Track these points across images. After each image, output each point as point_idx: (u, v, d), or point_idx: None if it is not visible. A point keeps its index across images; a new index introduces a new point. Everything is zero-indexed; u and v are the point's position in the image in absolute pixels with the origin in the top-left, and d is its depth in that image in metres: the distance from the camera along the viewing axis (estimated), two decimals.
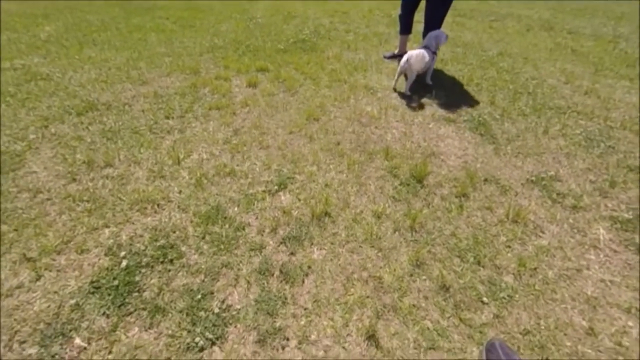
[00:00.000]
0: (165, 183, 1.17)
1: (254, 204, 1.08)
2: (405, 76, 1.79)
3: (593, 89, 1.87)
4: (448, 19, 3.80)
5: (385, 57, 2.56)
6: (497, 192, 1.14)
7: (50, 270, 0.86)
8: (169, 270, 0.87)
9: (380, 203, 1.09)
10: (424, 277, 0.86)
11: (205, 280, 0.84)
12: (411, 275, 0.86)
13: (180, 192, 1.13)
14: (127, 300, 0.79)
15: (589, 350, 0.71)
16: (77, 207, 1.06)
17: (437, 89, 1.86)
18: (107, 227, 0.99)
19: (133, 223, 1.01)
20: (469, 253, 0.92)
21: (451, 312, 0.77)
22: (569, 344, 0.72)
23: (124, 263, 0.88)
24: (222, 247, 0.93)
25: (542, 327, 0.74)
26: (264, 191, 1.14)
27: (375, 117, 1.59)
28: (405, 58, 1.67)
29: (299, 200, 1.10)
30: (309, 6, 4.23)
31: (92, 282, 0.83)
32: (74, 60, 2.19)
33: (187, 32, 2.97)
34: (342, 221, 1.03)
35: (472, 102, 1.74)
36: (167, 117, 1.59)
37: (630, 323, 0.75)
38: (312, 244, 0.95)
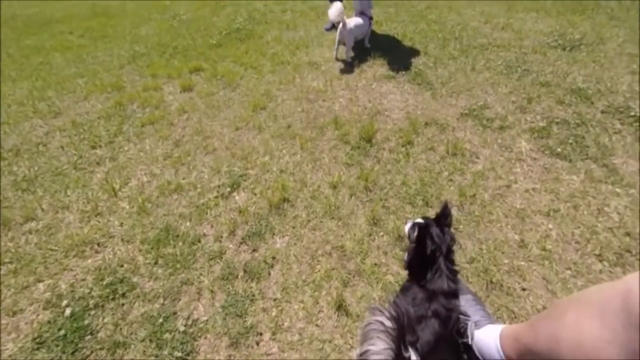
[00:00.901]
0: (102, 220, 1.09)
1: (206, 213, 1.06)
2: (344, 44, 1.85)
3: (508, 24, 2.10)
4: None
5: (325, 29, 2.61)
6: (437, 132, 1.26)
7: None
8: (123, 305, 0.84)
9: (335, 173, 1.14)
10: (381, 234, 0.93)
11: (165, 303, 0.83)
12: (370, 235, 0.93)
13: (121, 224, 1.07)
14: (80, 345, 0.76)
15: (522, 263, 0.83)
16: (1, 269, 0.94)
17: (375, 50, 1.94)
18: (41, 281, 0.92)
19: (72, 270, 0.94)
20: (417, 197, 1.02)
21: None
22: (506, 261, 0.84)
23: (68, 311, 0.83)
24: (178, 266, 0.92)
25: (484, 252, 0.86)
26: (216, 197, 1.12)
27: (322, 90, 1.63)
28: (341, 26, 1.70)
29: (255, 195, 1.11)
30: None
31: (34, 339, 0.78)
32: None
33: (100, 44, 2.65)
34: (300, 202, 1.06)
35: (407, 56, 1.86)
36: (94, 147, 1.44)
37: (550, 226, 0.90)
38: (273, 234, 0.97)
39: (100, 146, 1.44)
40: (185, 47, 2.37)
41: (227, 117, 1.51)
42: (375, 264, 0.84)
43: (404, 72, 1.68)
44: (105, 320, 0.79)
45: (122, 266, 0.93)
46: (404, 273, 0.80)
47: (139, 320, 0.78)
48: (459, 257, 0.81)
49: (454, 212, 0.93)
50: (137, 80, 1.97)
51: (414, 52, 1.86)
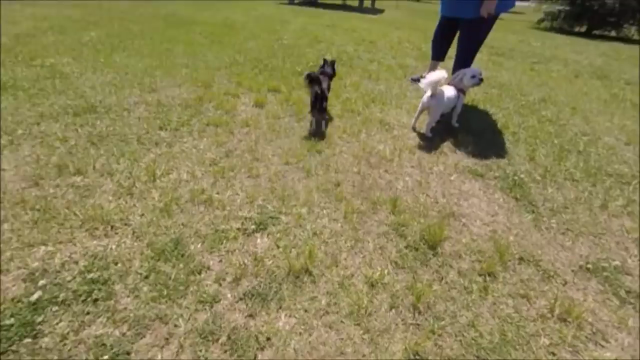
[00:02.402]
0: (130, 202, 1.19)
1: (222, 243, 1.05)
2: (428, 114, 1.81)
3: None
4: (484, 57, 4.20)
5: (412, 79, 2.81)
6: (536, 277, 1.01)
7: None
8: (87, 313, 0.81)
9: (378, 267, 1.00)
10: None
11: (127, 334, 0.77)
12: None
13: (142, 215, 1.14)
14: (13, 347, 0.73)
15: None
16: (25, 215, 1.09)
17: (463, 133, 1.88)
18: (45, 244, 0.99)
19: (75, 244, 1.00)
20: (492, 354, 0.77)
21: None
22: None
23: (36, 295, 0.83)
24: (165, 292, 0.88)
25: None
26: (238, 229, 1.11)
27: (386, 158, 1.61)
28: (428, 93, 1.66)
29: (278, 247, 1.05)
30: (337, 33, 4.90)
31: None
32: (98, 64, 2.60)
33: (214, 47, 3.49)
34: (324, 283, 0.94)
35: (506, 154, 1.71)
36: (161, 128, 1.72)
37: None
38: (280, 307, 0.87)
39: (166, 129, 1.70)
40: (274, 67, 2.88)
41: (282, 147, 1.62)
42: None
43: (497, 174, 1.52)
44: (59, 326, 0.76)
45: (116, 264, 0.94)
46: None
47: (89, 343, 0.73)
48: None
49: None
50: (224, 84, 2.40)
51: (515, 153, 1.71)
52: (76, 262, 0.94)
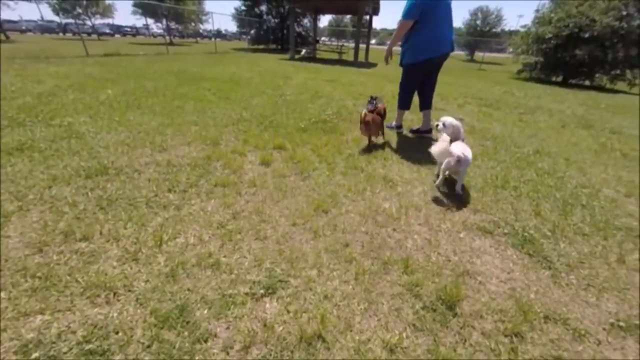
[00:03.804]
0: (135, 268, 1.31)
1: (229, 309, 1.12)
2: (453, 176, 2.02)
3: None
4: (474, 108, 5.00)
5: (411, 130, 3.41)
6: (567, 337, 1.06)
7: None
8: None
9: (396, 331, 1.06)
10: None
11: None
12: None
13: (147, 281, 1.24)
14: None
15: None
16: (25, 283, 1.19)
17: (466, 188, 2.11)
18: (42, 313, 1.06)
19: (74, 313, 1.07)
20: None
21: None
22: None
23: None
24: None
25: None
26: (246, 293, 1.19)
27: (393, 216, 1.78)
28: (456, 157, 1.81)
29: (288, 312, 1.12)
30: (335, 87, 5.88)
31: None
32: (113, 122, 3.04)
33: (222, 103, 4.12)
34: (339, 350, 0.98)
35: (511, 210, 1.91)
36: (170, 190, 1.95)
37: None
38: None
39: (175, 191, 1.93)
40: (278, 123, 3.35)
41: (288, 207, 1.81)
42: None
43: (506, 231, 1.67)
44: None
45: (117, 333, 0.99)
46: None
47: None
48: None
49: None
50: (232, 141, 2.78)
51: (521, 208, 1.89)
52: (74, 332, 1.00)
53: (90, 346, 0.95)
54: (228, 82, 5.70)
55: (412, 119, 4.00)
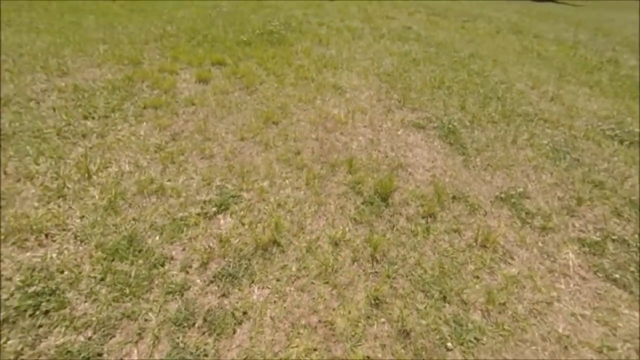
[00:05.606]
0: (64, 205, 0.89)
1: (182, 231, 0.86)
2: None
3: (558, 95, 1.88)
4: (422, 17, 3.85)
5: None
6: (465, 212, 1.02)
7: None
8: (40, 326, 0.63)
9: (340, 227, 0.92)
10: (382, 320, 0.71)
11: (94, 337, 0.63)
12: (368, 317, 0.71)
13: (82, 217, 0.86)
14: None
15: None
16: None
17: (408, 90, 1.75)
18: None
19: (2, 262, 0.73)
20: (434, 286, 0.79)
21: None
22: None
23: None
24: (127, 291, 0.71)
25: None
26: (198, 214, 0.91)
27: (341, 121, 1.43)
28: None
29: (243, 224, 0.90)
30: None
31: None
32: None
33: (136, 16, 2.56)
34: (293, 251, 0.84)
35: (443, 106, 1.64)
36: (86, 117, 1.26)
37: None
38: (252, 281, 0.76)
39: (94, 118, 1.26)
40: (214, 37, 2.24)
41: (235, 122, 1.32)
42: (368, 357, 0.63)
43: (436, 125, 1.46)
44: (8, 344, 0.59)
45: (62, 272, 0.73)
46: None
47: (51, 354, 0.58)
48: None
49: (477, 317, 0.71)
50: (157, 59, 1.81)
51: (450, 104, 1.65)
52: (9, 279, 0.70)
53: (34, 288, 0.69)
54: None
55: None
